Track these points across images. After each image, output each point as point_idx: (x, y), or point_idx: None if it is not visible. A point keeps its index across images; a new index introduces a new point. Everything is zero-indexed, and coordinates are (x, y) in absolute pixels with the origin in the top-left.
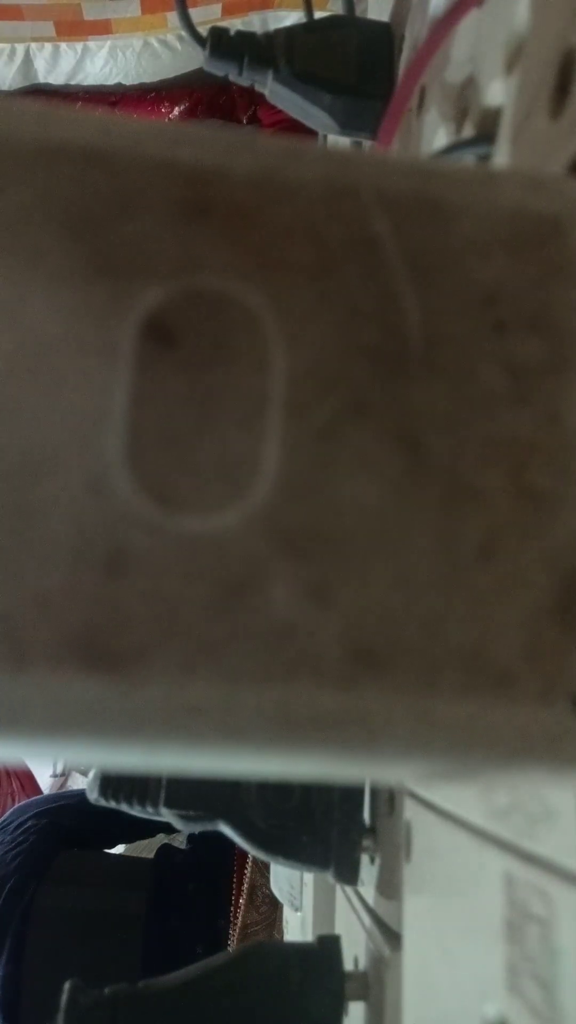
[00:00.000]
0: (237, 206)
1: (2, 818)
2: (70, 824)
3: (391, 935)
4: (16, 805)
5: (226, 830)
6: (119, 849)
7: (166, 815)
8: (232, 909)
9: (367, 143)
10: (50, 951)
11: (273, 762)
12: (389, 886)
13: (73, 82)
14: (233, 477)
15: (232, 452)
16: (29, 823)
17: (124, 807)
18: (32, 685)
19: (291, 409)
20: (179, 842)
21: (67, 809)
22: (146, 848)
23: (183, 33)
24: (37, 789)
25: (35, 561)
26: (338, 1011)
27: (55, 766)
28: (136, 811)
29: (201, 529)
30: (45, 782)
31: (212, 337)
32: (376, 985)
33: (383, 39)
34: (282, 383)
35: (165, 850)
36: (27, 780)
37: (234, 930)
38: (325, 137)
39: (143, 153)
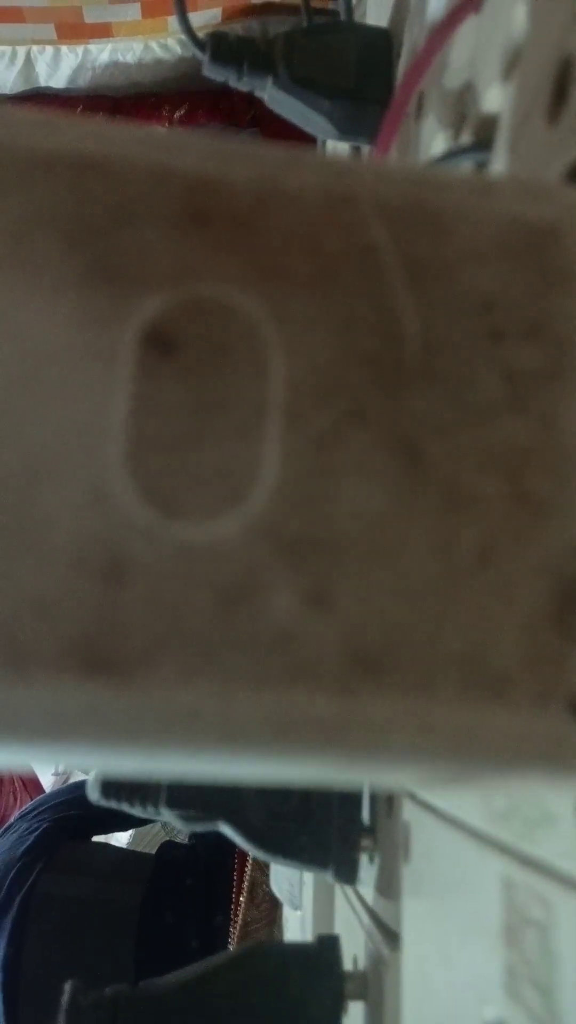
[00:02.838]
0: (236, 214)
1: (28, 805)
2: (82, 811)
3: (390, 935)
4: (41, 795)
5: (226, 830)
6: (128, 836)
7: (167, 815)
8: (232, 906)
9: (366, 148)
10: (48, 937)
11: (272, 767)
12: (388, 886)
13: (74, 85)
14: (232, 484)
15: (231, 459)
16: (44, 811)
17: (125, 807)
18: (32, 691)
19: (290, 417)
20: (182, 837)
21: (79, 798)
22: (150, 843)
23: (184, 37)
24: (39, 787)
25: (35, 568)
26: (338, 1011)
27: (57, 764)
28: (137, 811)
29: (200, 536)
30: (47, 780)
31: (211, 345)
32: (375, 985)
33: (381, 44)
34: (281, 391)
35: (167, 845)
36: (29, 778)
37: (234, 927)
38: (324, 143)
39: (142, 162)
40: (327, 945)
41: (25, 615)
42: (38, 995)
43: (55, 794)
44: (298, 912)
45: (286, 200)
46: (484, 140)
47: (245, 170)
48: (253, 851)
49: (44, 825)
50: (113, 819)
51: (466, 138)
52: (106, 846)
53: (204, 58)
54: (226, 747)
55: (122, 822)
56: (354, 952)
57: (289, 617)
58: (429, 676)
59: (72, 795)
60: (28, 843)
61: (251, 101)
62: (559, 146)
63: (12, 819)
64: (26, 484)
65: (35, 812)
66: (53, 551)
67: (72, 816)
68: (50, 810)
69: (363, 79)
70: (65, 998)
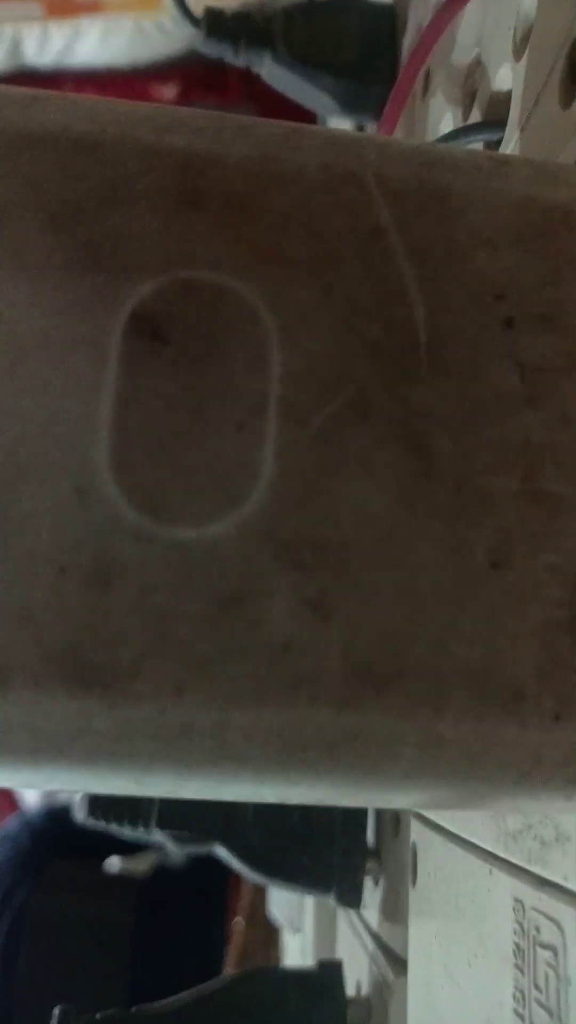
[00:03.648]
0: (232, 195)
1: (13, 820)
2: (66, 831)
3: (395, 960)
4: (18, 813)
5: (222, 853)
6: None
7: (158, 837)
8: (229, 927)
9: (370, 127)
10: (40, 958)
11: (270, 787)
12: (394, 909)
13: (63, 64)
14: (227, 483)
15: (226, 456)
16: (24, 829)
17: (114, 828)
18: (14, 706)
19: (289, 410)
20: (177, 858)
21: (65, 816)
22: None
23: (176, 13)
24: (19, 806)
25: (17, 573)
26: None
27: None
28: (127, 831)
29: (193, 539)
30: (31, 797)
31: (205, 334)
32: (379, 1011)
33: (385, 20)
34: (279, 383)
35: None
36: (10, 796)
37: (231, 951)
38: (325, 121)
39: (133, 140)
40: (329, 970)
41: (6, 624)
42: (31, 1016)
43: (37, 810)
44: (298, 936)
45: (285, 179)
46: (495, 119)
47: (241, 148)
48: (251, 874)
49: (26, 844)
50: (102, 840)
51: (475, 117)
52: (95, 863)
53: (199, 34)
54: (220, 765)
55: (108, 847)
56: (357, 977)
57: (288, 625)
58: (437, 688)
59: (62, 810)
60: (15, 862)
61: (248, 78)
62: (573, 128)
63: None
64: (7, 483)
65: (16, 831)
66: (35, 555)
67: (61, 833)
68: (37, 826)
69: (366, 56)
70: (54, 1022)
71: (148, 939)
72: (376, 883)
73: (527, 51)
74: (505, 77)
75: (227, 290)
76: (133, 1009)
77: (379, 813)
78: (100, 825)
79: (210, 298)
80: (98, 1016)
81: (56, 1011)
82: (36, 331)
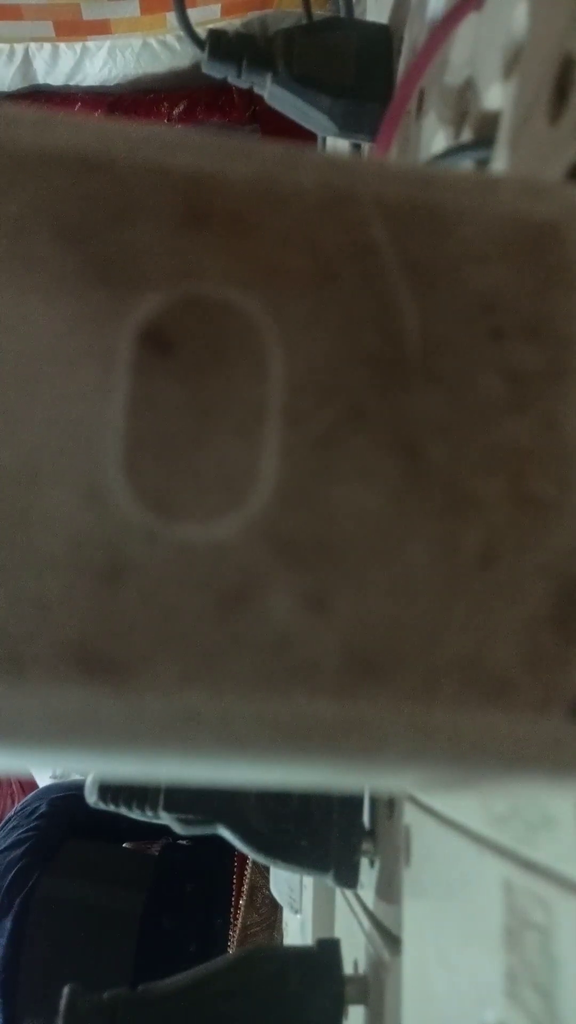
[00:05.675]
0: (235, 213)
1: (23, 801)
2: (82, 813)
3: (391, 939)
4: (38, 789)
5: (225, 834)
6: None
7: (165, 819)
8: (232, 910)
9: (366, 145)
10: (48, 940)
11: (271, 771)
12: (389, 890)
13: (72, 82)
14: (231, 485)
15: (230, 460)
16: (44, 808)
17: (123, 811)
18: (30, 694)
19: (289, 417)
20: (183, 839)
21: (81, 797)
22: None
23: (182, 33)
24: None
25: (33, 570)
26: (338, 1015)
27: (54, 768)
28: (135, 815)
29: (199, 538)
30: (45, 782)
31: (210, 345)
32: (376, 989)
33: (382, 41)
34: (280, 391)
35: (168, 848)
36: (26, 781)
37: (234, 931)
38: (324, 139)
39: (140, 160)
40: (327, 949)
41: (22, 615)
42: (36, 995)
43: (56, 788)
44: (298, 916)
45: (286, 198)
46: (485, 137)
47: (244, 168)
48: (252, 855)
49: (44, 823)
50: (112, 823)
51: (467, 135)
52: (109, 846)
53: (203, 55)
54: (224, 750)
55: (120, 831)
56: (354, 956)
57: (288, 619)
58: (429, 679)
59: (74, 791)
60: (29, 843)
61: (251, 98)
62: (560, 145)
63: (12, 812)
64: (23, 485)
65: (33, 807)
66: (50, 553)
67: (73, 815)
68: (51, 806)
69: (363, 76)
70: (63, 1002)
71: (154, 925)
72: (372, 864)
73: (517, 70)
74: (496, 96)
75: (230, 303)
76: (139, 988)
77: (374, 797)
78: (110, 808)
79: (214, 311)
80: (105, 995)
81: (65, 991)
82: (51, 343)
